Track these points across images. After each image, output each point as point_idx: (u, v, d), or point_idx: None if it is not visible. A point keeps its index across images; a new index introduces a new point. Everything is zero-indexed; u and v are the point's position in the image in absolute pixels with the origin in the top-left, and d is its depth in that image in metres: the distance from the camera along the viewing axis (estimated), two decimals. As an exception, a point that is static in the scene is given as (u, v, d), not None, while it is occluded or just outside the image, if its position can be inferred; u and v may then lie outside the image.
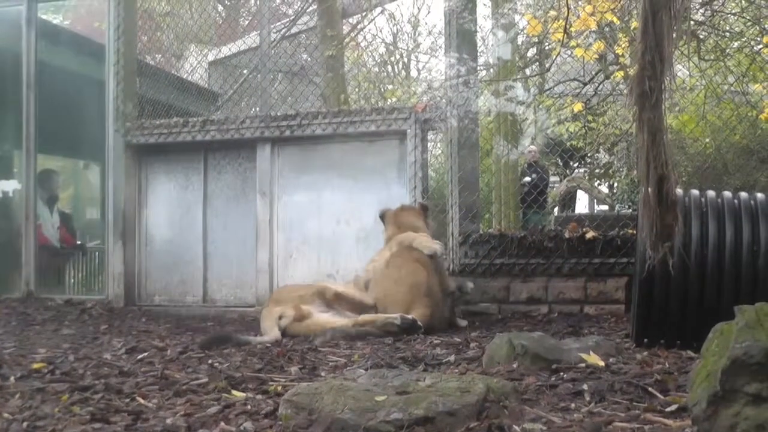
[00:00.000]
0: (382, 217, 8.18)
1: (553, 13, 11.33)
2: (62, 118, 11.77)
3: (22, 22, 10.71)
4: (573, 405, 3.56)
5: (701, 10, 11.15)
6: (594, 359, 4.51)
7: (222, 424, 3.47)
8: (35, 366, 5.15)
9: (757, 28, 11.72)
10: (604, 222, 8.91)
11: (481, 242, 8.61)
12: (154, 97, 10.63)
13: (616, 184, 22.68)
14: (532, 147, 15.56)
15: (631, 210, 16.70)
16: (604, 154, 21.92)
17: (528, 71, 16.70)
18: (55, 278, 12.32)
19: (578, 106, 15.48)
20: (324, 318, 6.97)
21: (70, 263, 13.17)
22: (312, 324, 6.87)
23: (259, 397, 4.06)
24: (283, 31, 13.35)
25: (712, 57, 11.77)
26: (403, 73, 21.08)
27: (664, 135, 4.19)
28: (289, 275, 9.40)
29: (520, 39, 15.18)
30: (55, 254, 12.41)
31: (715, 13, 11.68)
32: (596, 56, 14.82)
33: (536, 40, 15.49)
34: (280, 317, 6.95)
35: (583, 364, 4.42)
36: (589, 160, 22.87)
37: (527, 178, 14.91)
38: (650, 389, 3.79)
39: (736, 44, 12.43)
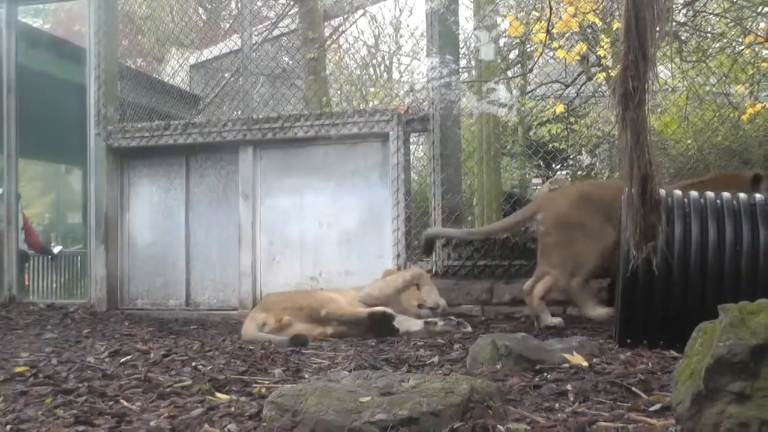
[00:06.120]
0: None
1: (535, 14, 11.34)
2: (43, 122, 11.75)
3: (1, 25, 10.68)
4: (557, 405, 3.57)
5: (683, 11, 11.19)
6: (577, 359, 4.52)
7: (206, 426, 3.46)
8: (18, 369, 5.14)
9: (739, 28, 11.75)
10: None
11: (464, 244, 8.60)
12: (135, 100, 10.60)
13: (598, 186, 22.67)
14: None
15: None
16: (586, 156, 21.98)
17: (510, 73, 16.71)
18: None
19: (560, 108, 15.51)
20: (301, 327, 6.99)
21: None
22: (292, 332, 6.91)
23: (243, 399, 4.06)
24: (265, 33, 13.34)
25: (694, 58, 11.80)
26: (385, 75, 21.04)
27: (648, 134, 4.20)
28: (272, 278, 9.39)
29: (502, 41, 15.19)
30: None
31: (697, 14, 11.72)
32: (578, 58, 14.84)
33: (518, 42, 15.49)
34: (263, 324, 6.98)
35: (566, 365, 4.43)
36: (571, 162, 22.91)
37: None
38: (634, 389, 3.80)
39: (717, 45, 12.46)
